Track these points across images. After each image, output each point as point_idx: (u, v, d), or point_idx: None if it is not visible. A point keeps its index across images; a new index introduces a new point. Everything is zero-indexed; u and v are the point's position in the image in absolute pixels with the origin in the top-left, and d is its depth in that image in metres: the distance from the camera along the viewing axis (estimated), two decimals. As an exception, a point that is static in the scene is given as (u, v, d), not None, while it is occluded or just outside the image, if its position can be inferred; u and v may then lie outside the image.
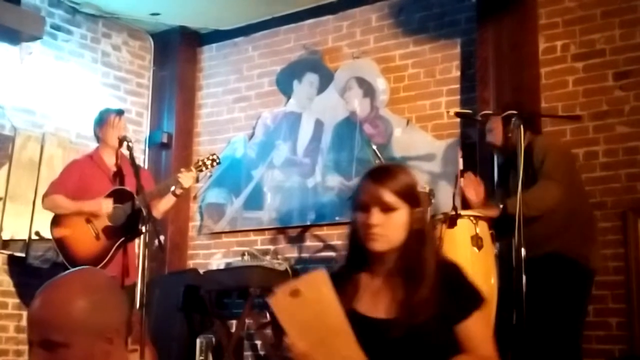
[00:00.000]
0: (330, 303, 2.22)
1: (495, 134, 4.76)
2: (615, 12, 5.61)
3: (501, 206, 4.48)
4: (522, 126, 4.41)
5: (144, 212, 4.93)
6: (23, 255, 6.34)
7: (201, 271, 6.86)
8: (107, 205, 5.13)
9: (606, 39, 5.63)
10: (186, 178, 5.19)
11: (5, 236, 6.39)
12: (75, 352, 1.81)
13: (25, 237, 6.39)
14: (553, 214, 4.41)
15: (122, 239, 5.11)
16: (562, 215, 4.43)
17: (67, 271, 2.00)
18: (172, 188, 5.25)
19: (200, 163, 5.36)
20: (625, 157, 5.42)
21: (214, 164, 5.41)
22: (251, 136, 7.41)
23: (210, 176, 7.45)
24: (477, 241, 4.37)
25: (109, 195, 5.18)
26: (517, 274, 4.09)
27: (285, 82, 7.31)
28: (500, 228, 4.49)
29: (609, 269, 5.26)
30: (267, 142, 7.28)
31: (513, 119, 4.55)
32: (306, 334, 2.21)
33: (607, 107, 5.54)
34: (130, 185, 5.16)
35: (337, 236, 6.62)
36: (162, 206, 5.32)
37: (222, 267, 6.88)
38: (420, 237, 2.39)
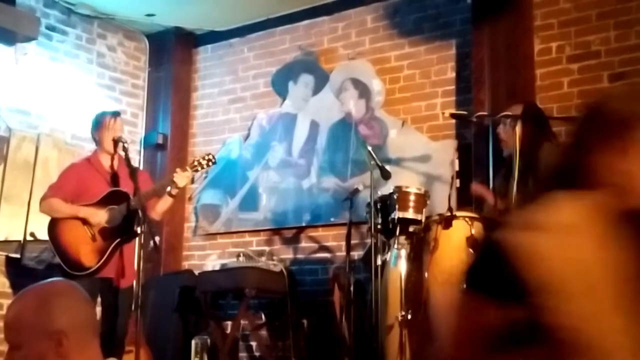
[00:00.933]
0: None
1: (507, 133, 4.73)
2: (611, 14, 5.62)
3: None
4: (517, 127, 4.41)
5: (140, 213, 4.93)
6: (18, 256, 6.34)
7: (196, 272, 6.85)
8: (100, 217, 5.13)
9: (601, 41, 5.64)
10: (181, 178, 5.19)
11: (0, 237, 6.38)
12: (27, 352, 1.98)
13: (20, 238, 6.38)
14: None
15: (119, 240, 5.11)
16: None
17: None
18: (168, 188, 5.24)
19: (195, 163, 5.34)
20: (620, 158, 5.42)
21: (210, 163, 5.39)
22: (246, 137, 7.40)
23: (206, 177, 7.44)
24: (472, 242, 4.37)
25: (104, 198, 5.18)
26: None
27: (280, 83, 7.31)
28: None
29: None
30: (262, 143, 7.28)
31: (509, 120, 4.55)
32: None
33: (602, 109, 5.54)
34: (127, 187, 5.16)
35: (332, 237, 6.63)
36: (160, 207, 5.31)
37: (217, 268, 6.87)
38: None
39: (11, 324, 2.02)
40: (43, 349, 1.97)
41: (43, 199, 5.29)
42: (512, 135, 4.63)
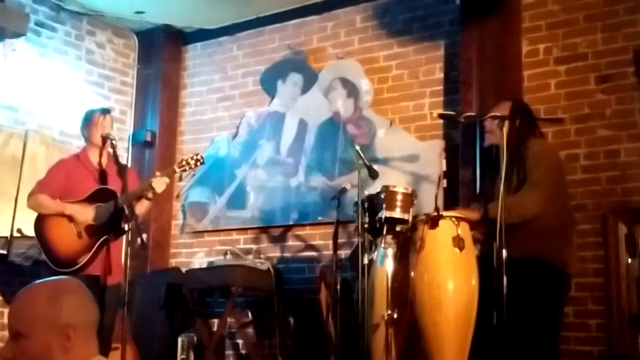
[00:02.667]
0: None
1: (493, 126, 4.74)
2: (598, 16, 5.65)
3: (482, 209, 4.51)
4: (504, 128, 4.43)
5: (127, 210, 4.93)
6: (5, 252, 6.32)
7: (183, 270, 6.86)
8: (86, 215, 5.13)
9: (588, 43, 5.67)
10: (159, 183, 5.19)
11: (-13, 233, 6.37)
12: (33, 342, 2.05)
13: (7, 234, 6.36)
14: (534, 219, 4.43)
15: (104, 237, 5.11)
16: (543, 220, 4.45)
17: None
18: (146, 192, 5.24)
19: (183, 163, 5.34)
20: (606, 160, 5.46)
21: (198, 164, 5.39)
22: (235, 135, 7.41)
23: (194, 175, 7.44)
24: (458, 242, 4.39)
25: (91, 195, 5.18)
26: (498, 276, 4.12)
27: (269, 82, 7.32)
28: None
29: (588, 271, 5.31)
30: (250, 142, 7.29)
31: (497, 120, 4.57)
32: None
33: (589, 110, 5.58)
34: (115, 185, 5.16)
35: (319, 236, 6.64)
36: (137, 210, 5.28)
37: (204, 266, 6.88)
38: None
39: (21, 313, 2.09)
40: (50, 341, 2.05)
41: (30, 195, 5.29)
42: (499, 130, 4.65)
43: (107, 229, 5.12)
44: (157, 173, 5.31)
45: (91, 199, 5.18)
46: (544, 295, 4.39)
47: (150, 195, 5.24)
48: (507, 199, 4.27)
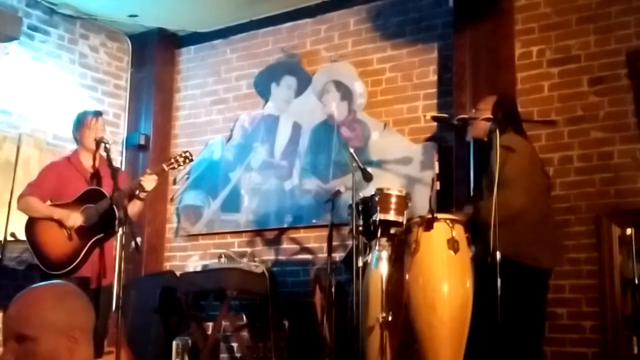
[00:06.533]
0: None
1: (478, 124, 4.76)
2: (591, 19, 5.67)
3: (468, 212, 4.52)
4: (497, 131, 4.43)
5: (117, 213, 4.93)
6: (-2, 256, 6.31)
7: (178, 273, 6.84)
8: (74, 220, 5.12)
9: (581, 45, 5.68)
10: (148, 181, 5.20)
11: (-19, 237, 6.35)
12: (42, 346, 2.05)
13: (1, 238, 6.35)
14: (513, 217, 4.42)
15: (95, 239, 5.11)
16: (513, 219, 4.42)
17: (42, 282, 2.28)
18: (137, 192, 5.25)
19: (172, 160, 5.36)
20: (600, 162, 5.47)
21: (187, 161, 5.41)
22: (229, 138, 7.41)
23: (188, 178, 7.44)
24: (453, 244, 4.39)
25: (81, 197, 5.18)
26: (491, 277, 4.10)
27: (263, 85, 7.32)
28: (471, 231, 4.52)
29: (582, 272, 5.32)
30: (244, 145, 7.29)
31: (489, 124, 4.58)
32: None
33: (582, 113, 5.59)
34: (107, 187, 5.16)
35: (313, 239, 6.64)
36: (130, 210, 5.27)
37: (198, 269, 6.87)
38: None
39: (27, 317, 2.09)
40: (58, 344, 2.07)
41: (21, 197, 5.30)
42: (479, 123, 4.70)
43: (97, 230, 5.12)
44: (148, 170, 5.33)
45: (81, 200, 5.19)
46: (518, 296, 4.33)
47: (142, 195, 5.25)
48: (487, 202, 4.28)
